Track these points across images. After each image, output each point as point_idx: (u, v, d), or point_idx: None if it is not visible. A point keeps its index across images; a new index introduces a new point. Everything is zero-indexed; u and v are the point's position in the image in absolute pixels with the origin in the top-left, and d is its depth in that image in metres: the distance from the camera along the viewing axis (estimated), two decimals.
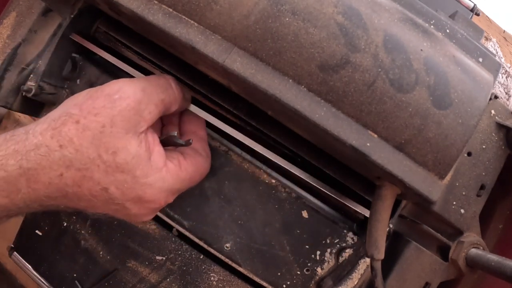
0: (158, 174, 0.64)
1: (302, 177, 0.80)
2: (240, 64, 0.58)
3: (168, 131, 0.76)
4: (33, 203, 0.60)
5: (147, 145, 0.64)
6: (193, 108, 0.78)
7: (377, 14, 0.59)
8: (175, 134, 0.70)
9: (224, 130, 0.79)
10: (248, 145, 0.79)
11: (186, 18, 0.60)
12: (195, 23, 0.60)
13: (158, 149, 0.66)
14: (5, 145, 0.59)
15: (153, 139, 0.66)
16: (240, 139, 0.79)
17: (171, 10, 0.61)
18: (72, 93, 0.89)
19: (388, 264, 0.73)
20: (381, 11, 0.60)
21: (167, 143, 0.70)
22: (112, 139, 0.60)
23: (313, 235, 0.83)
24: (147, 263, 0.86)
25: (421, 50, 0.59)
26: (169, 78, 0.71)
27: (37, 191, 0.58)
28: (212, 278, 0.87)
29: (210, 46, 0.59)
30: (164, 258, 0.86)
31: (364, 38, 0.58)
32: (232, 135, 0.79)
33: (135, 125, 0.62)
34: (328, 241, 0.83)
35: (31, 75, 0.85)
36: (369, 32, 0.58)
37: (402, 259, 0.73)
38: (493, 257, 0.62)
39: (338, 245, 0.83)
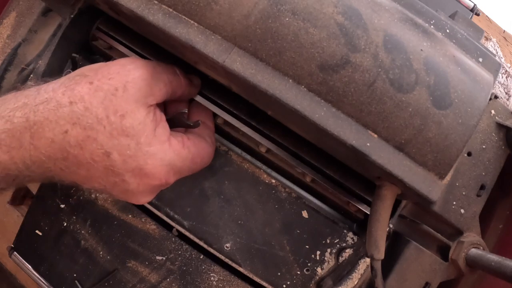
0: (161, 145, 0.64)
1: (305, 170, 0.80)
2: (240, 64, 0.58)
3: (177, 109, 0.75)
4: (33, 164, 0.59)
5: (155, 117, 0.64)
6: (201, 100, 0.78)
7: (377, 14, 0.59)
8: (186, 111, 0.72)
9: (230, 122, 0.80)
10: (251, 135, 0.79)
11: (186, 18, 0.60)
12: (195, 23, 0.60)
13: (163, 124, 0.66)
14: (15, 99, 0.60)
15: (160, 115, 0.67)
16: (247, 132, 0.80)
17: (171, 10, 0.61)
18: None
19: (388, 264, 0.73)
20: (381, 11, 0.60)
21: (174, 122, 0.71)
22: (123, 103, 0.61)
23: (313, 235, 0.83)
24: (147, 263, 0.86)
25: (421, 50, 0.59)
26: (174, 66, 0.72)
27: (38, 149, 0.58)
28: (212, 278, 0.87)
29: (210, 46, 0.59)
30: (164, 258, 0.86)
31: (364, 38, 0.58)
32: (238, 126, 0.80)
33: (146, 96, 0.63)
34: (328, 241, 0.83)
35: (31, 75, 0.85)
36: (369, 32, 0.58)
37: (402, 259, 0.73)
38: (493, 257, 0.62)
39: (338, 245, 0.83)
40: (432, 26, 0.63)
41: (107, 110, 0.60)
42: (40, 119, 0.58)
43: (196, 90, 0.77)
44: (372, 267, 0.69)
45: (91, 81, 0.61)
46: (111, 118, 0.60)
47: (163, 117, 0.68)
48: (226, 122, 0.82)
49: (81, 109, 0.59)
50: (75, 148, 0.58)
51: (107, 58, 0.91)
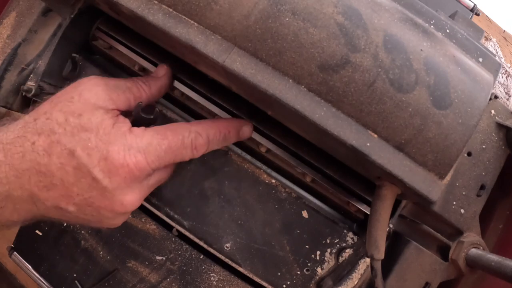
0: (121, 133, 0.63)
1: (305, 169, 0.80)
2: (240, 64, 0.59)
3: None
4: (10, 187, 0.60)
5: (114, 117, 0.65)
6: (203, 101, 0.80)
7: (377, 14, 0.59)
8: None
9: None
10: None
11: (186, 18, 0.61)
12: (195, 23, 0.60)
13: (124, 120, 0.66)
14: None
15: (123, 119, 0.67)
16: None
17: (171, 10, 0.61)
18: None
19: (388, 264, 0.73)
20: (381, 11, 0.60)
21: (137, 122, 0.70)
22: (79, 105, 0.63)
23: (313, 235, 0.83)
24: (147, 263, 0.86)
25: (421, 50, 0.59)
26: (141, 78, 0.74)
27: (13, 166, 0.59)
28: (212, 278, 0.87)
29: (210, 46, 0.59)
30: (164, 258, 0.86)
31: (364, 38, 0.58)
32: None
33: (104, 100, 0.65)
34: (328, 241, 0.83)
35: (31, 75, 0.85)
36: (369, 32, 0.58)
37: (402, 259, 0.73)
38: (493, 257, 0.62)
39: (338, 245, 0.83)
40: (432, 26, 0.63)
41: (66, 114, 0.62)
42: (11, 140, 0.60)
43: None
44: (372, 267, 0.69)
45: (51, 100, 0.65)
46: (69, 119, 0.61)
47: (126, 120, 0.67)
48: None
49: (43, 120, 0.62)
50: (44, 157, 0.60)
51: (107, 58, 0.91)
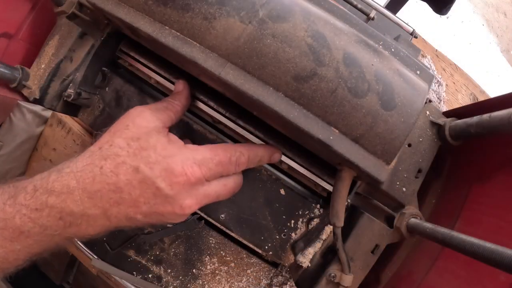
0: (176, 147, 0.62)
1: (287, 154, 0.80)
2: (232, 75, 0.58)
3: None
4: (85, 208, 0.58)
5: (166, 136, 0.63)
6: (202, 105, 0.82)
7: (338, 37, 0.59)
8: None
9: (221, 121, 0.80)
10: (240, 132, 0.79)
11: (190, 40, 0.60)
12: (197, 44, 0.60)
13: (176, 138, 0.65)
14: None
15: (174, 136, 0.65)
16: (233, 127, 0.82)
17: (178, 33, 0.61)
18: (102, 98, 0.89)
19: (347, 230, 0.73)
20: (341, 35, 0.60)
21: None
22: (135, 130, 0.61)
23: (289, 208, 0.83)
24: (160, 229, 0.87)
25: (372, 64, 0.59)
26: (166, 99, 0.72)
27: (86, 190, 0.57)
28: (210, 241, 0.87)
29: (209, 62, 0.59)
30: (172, 225, 0.86)
31: (328, 55, 0.58)
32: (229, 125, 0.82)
33: (153, 121, 0.63)
34: (300, 213, 0.83)
35: (71, 84, 0.85)
36: (332, 50, 0.58)
37: (357, 227, 0.73)
38: (428, 225, 0.62)
39: (308, 216, 0.83)
40: (380, 46, 0.63)
41: (126, 139, 0.60)
42: (82, 168, 0.58)
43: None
44: (334, 233, 0.69)
45: (110, 130, 0.63)
46: (130, 143, 0.60)
47: (176, 137, 0.66)
48: (220, 121, 0.82)
49: (107, 147, 0.60)
50: (112, 177, 0.58)
51: (129, 72, 0.90)
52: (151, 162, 0.59)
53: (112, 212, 0.59)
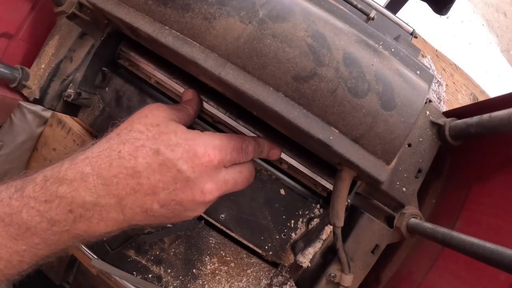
0: (196, 133, 0.61)
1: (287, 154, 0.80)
2: (232, 76, 0.58)
3: None
4: (98, 197, 0.55)
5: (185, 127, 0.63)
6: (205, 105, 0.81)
7: (338, 37, 0.59)
8: None
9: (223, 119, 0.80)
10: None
11: (190, 40, 0.60)
12: (197, 44, 0.60)
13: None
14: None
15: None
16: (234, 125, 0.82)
17: (178, 33, 0.61)
18: (102, 98, 0.89)
19: (347, 230, 0.73)
20: (341, 35, 0.60)
21: None
22: (154, 118, 0.60)
23: (289, 208, 0.83)
24: (160, 229, 0.86)
25: (372, 64, 0.59)
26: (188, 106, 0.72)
27: (101, 175, 0.55)
28: (210, 241, 0.87)
29: (209, 62, 0.59)
30: (172, 225, 0.86)
31: (328, 55, 0.57)
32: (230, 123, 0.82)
33: (171, 115, 0.63)
34: (300, 212, 0.83)
35: (71, 84, 0.85)
36: (332, 51, 0.58)
37: (357, 227, 0.73)
38: (428, 225, 0.62)
39: (308, 216, 0.83)
40: (380, 46, 0.63)
41: (146, 125, 0.59)
42: (97, 154, 0.56)
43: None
44: (334, 233, 0.69)
45: (128, 120, 0.62)
46: (149, 128, 0.59)
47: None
48: (220, 121, 0.82)
49: (126, 132, 0.59)
50: (130, 160, 0.55)
51: (128, 72, 0.90)
52: (172, 144, 0.57)
53: (127, 201, 0.56)
